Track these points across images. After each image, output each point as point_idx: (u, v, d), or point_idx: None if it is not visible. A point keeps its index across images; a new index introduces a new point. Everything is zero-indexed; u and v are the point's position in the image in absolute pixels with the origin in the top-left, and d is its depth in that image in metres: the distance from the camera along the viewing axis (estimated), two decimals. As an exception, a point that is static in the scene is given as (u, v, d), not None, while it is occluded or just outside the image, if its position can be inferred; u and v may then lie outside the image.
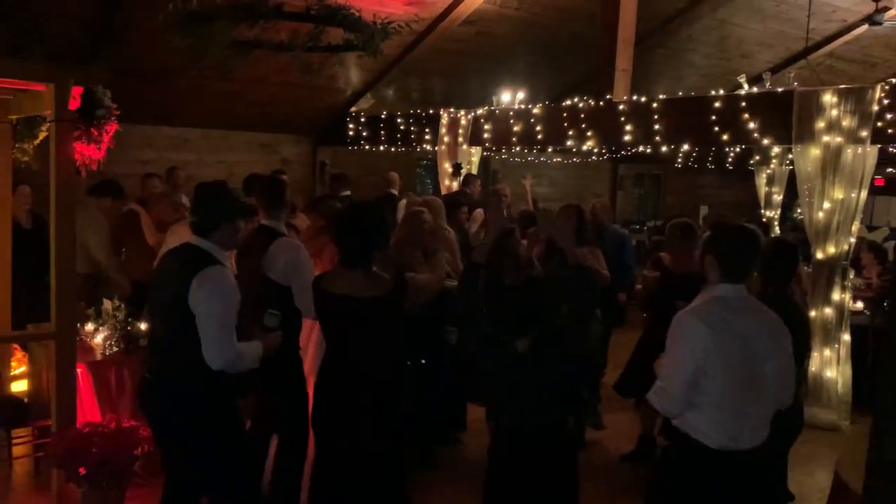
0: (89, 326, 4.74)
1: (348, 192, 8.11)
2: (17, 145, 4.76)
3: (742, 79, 7.16)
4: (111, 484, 3.87)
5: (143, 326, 4.72)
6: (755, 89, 6.64)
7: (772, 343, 2.82)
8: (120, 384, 4.54)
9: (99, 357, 4.57)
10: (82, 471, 3.82)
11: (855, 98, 5.58)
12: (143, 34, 6.61)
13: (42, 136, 4.61)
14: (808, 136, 5.80)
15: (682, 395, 2.80)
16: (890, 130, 5.41)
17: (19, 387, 4.80)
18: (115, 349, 4.62)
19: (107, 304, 4.84)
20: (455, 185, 8.41)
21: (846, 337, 6.15)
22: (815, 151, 5.82)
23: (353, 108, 9.57)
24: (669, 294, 5.02)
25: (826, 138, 5.71)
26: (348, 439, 3.27)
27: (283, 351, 3.88)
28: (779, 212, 10.83)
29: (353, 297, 3.24)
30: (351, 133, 9.52)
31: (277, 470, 4.08)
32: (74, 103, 3.88)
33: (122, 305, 4.82)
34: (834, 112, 5.66)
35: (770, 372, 2.79)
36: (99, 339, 4.65)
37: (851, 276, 6.30)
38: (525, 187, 8.68)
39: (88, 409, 4.43)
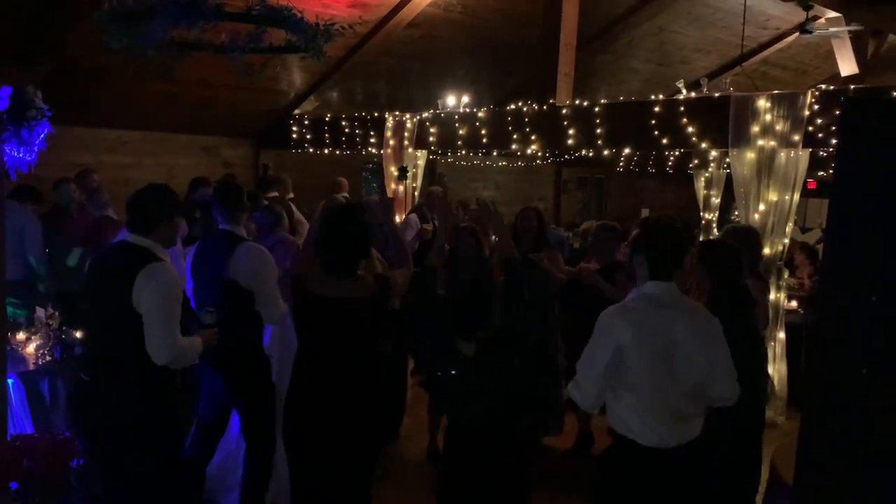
0: (21, 335, 4.56)
1: (276, 194, 7.98)
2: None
3: (681, 84, 7.34)
4: (44, 499, 3.73)
5: (78, 335, 4.57)
6: (693, 94, 6.80)
7: (699, 340, 2.82)
8: (54, 395, 4.38)
9: (31, 367, 4.41)
10: (13, 485, 3.67)
11: (787, 103, 5.77)
12: (80, 34, 6.41)
13: (-31, 137, 4.43)
14: (744, 140, 5.97)
15: (594, 389, 2.82)
16: (820, 135, 5.60)
17: (-55, 399, 4.59)
18: (48, 358, 4.46)
19: (39, 312, 4.67)
20: (401, 188, 8.40)
21: (781, 335, 6.34)
22: (750, 155, 5.99)
23: (296, 111, 9.46)
24: (588, 292, 5.15)
25: (760, 142, 5.88)
26: (333, 441, 3.26)
27: (249, 354, 3.86)
28: (717, 214, 11.12)
29: (343, 299, 3.25)
30: (294, 136, 9.41)
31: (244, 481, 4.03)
32: (3, 104, 3.74)
33: (56, 313, 4.66)
34: (767, 117, 5.83)
35: (698, 368, 2.80)
36: (31, 348, 4.48)
37: (786, 276, 6.50)
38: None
39: (20, 422, 4.26)
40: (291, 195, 7.98)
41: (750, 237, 4.62)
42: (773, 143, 5.83)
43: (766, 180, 5.98)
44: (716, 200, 11.00)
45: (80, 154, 8.25)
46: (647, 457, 2.79)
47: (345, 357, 3.29)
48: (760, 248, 5.09)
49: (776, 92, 5.91)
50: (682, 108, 6.33)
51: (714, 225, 10.90)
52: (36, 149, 3.94)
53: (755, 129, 5.90)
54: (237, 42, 4.99)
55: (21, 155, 3.88)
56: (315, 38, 5.11)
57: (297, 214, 7.59)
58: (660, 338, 2.76)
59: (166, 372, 3.18)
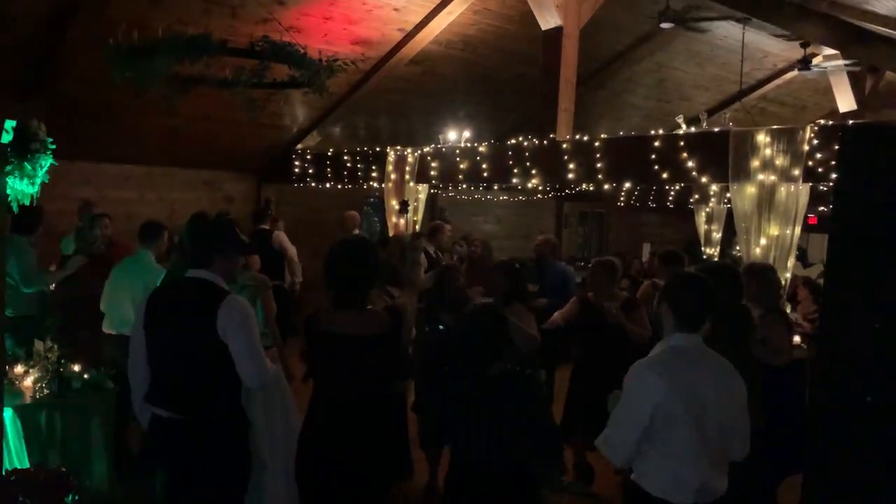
0: (19, 368, 4.54)
1: (266, 227, 8.10)
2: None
3: (680, 119, 7.39)
4: (38, 535, 3.67)
5: (76, 368, 4.55)
6: (693, 129, 6.85)
7: (724, 393, 2.80)
8: (50, 429, 4.35)
9: (28, 400, 4.37)
10: (7, 522, 3.61)
11: (787, 138, 5.79)
12: (85, 70, 6.50)
13: (-27, 170, 4.45)
14: (744, 174, 5.98)
15: (630, 446, 2.77)
16: (820, 169, 5.61)
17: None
18: (45, 392, 4.43)
19: (38, 345, 4.65)
20: (402, 222, 8.42)
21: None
22: (750, 189, 6.00)
23: (298, 146, 9.53)
24: (590, 327, 5.15)
25: (761, 176, 5.90)
26: (342, 481, 3.22)
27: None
28: (718, 249, 11.12)
29: (351, 335, 3.23)
30: (297, 170, 9.46)
31: None
32: (6, 137, 3.76)
33: (55, 346, 4.63)
34: (767, 151, 5.86)
35: (722, 423, 2.77)
36: (29, 381, 4.45)
37: (788, 310, 6.47)
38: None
39: (16, 456, 4.21)
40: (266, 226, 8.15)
41: (769, 274, 4.63)
42: (773, 177, 5.85)
43: (767, 214, 5.99)
44: (717, 235, 11.02)
45: (84, 189, 8.30)
46: None
47: (354, 394, 3.25)
48: (779, 284, 5.08)
49: (776, 127, 5.94)
50: (681, 143, 6.36)
51: (715, 259, 10.90)
52: (39, 181, 3.95)
53: (755, 163, 5.92)
54: (240, 77, 5.05)
55: (24, 189, 3.88)
56: (318, 73, 5.18)
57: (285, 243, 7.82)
58: (691, 395, 2.72)
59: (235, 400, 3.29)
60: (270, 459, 4.14)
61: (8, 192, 3.84)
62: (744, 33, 9.53)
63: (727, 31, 9.73)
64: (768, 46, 10.41)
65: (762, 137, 5.88)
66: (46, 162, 3.99)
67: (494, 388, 3.18)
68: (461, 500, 3.23)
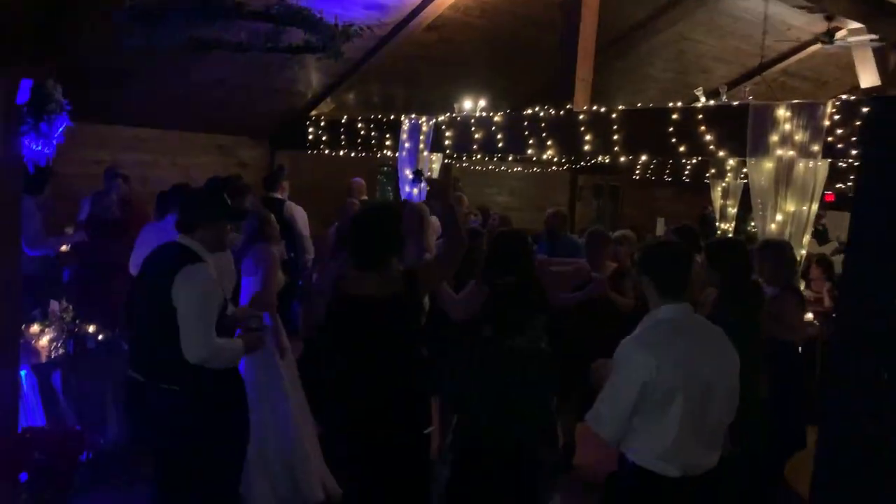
0: (35, 328, 4.59)
1: (277, 195, 7.66)
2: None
3: (699, 92, 7.29)
4: (53, 491, 3.74)
5: (90, 329, 4.59)
6: (712, 103, 6.75)
7: (716, 360, 2.78)
8: (65, 388, 4.41)
9: (44, 359, 4.43)
10: (23, 477, 3.69)
11: (807, 113, 5.71)
12: (99, 32, 6.45)
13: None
14: (762, 149, 5.91)
15: (621, 423, 2.74)
16: (840, 145, 5.54)
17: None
18: (61, 351, 4.48)
19: (54, 305, 4.70)
20: (416, 191, 8.39)
21: (796, 347, 6.26)
22: (768, 164, 5.93)
23: (312, 112, 9.48)
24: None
25: (779, 151, 5.83)
26: (375, 441, 3.22)
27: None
28: (733, 224, 11.04)
29: (372, 297, 3.23)
30: (311, 137, 9.42)
31: None
32: (23, 97, 3.76)
33: (70, 307, 4.68)
34: (787, 126, 5.78)
35: (718, 393, 2.75)
36: (45, 340, 4.50)
37: (802, 287, 6.43)
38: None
39: (32, 414, 4.28)
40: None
41: (784, 250, 4.58)
42: (791, 152, 5.77)
43: (784, 190, 5.92)
44: (732, 210, 10.94)
45: (99, 151, 8.31)
46: (672, 488, 2.71)
47: (376, 356, 3.26)
48: (795, 261, 5.02)
49: (796, 101, 5.86)
50: (700, 116, 6.28)
51: (730, 236, 10.83)
52: (54, 142, 3.96)
53: (774, 138, 5.84)
54: (255, 41, 5.01)
55: (39, 148, 3.90)
56: (333, 38, 5.12)
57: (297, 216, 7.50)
58: (682, 367, 2.69)
59: (206, 370, 3.18)
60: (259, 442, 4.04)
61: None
62: (766, 5, 9.35)
63: (749, 3, 9.55)
64: (791, 18, 10.20)
65: (782, 112, 5.80)
66: (62, 123, 4.00)
67: (520, 361, 3.16)
68: (472, 472, 3.23)
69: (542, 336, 3.53)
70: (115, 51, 6.52)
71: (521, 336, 3.33)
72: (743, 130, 5.98)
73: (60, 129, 4.08)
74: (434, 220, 6.34)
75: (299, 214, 7.61)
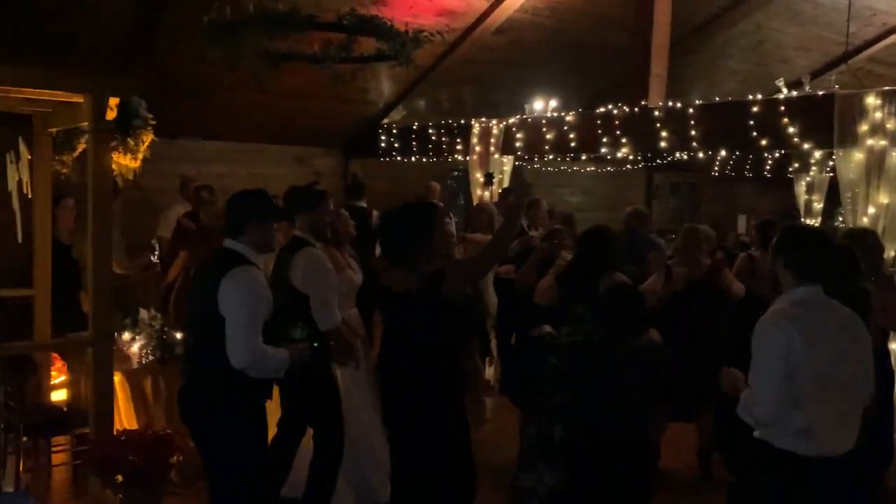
0: (126, 335, 4.78)
1: (363, 203, 7.79)
2: (56, 157, 4.84)
3: (781, 83, 7.01)
4: (147, 491, 3.88)
5: (178, 336, 4.75)
6: (794, 93, 6.50)
7: (852, 342, 2.76)
8: (156, 393, 4.58)
9: (135, 365, 4.61)
10: (119, 478, 3.83)
11: (899, 100, 5.44)
12: (179, 49, 6.70)
13: (81, 147, 4.69)
14: (851, 139, 5.66)
15: (777, 404, 2.67)
16: (937, 132, 5.25)
17: (59, 396, 4.86)
18: (150, 358, 4.65)
19: (143, 314, 4.89)
20: (487, 194, 8.36)
21: (894, 346, 5.95)
22: (858, 155, 5.67)
23: (384, 120, 9.59)
24: (678, 301, 4.93)
25: (870, 142, 5.56)
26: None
27: (315, 367, 3.83)
28: (819, 220, 10.60)
29: (389, 291, 3.46)
30: (383, 145, 9.53)
31: (311, 479, 4.06)
32: (111, 114, 3.93)
33: (158, 315, 4.86)
34: (877, 115, 5.51)
35: (853, 370, 2.73)
36: (135, 347, 4.69)
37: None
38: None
39: (125, 418, 4.46)
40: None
41: (868, 238, 4.37)
42: (883, 142, 5.50)
43: (876, 182, 5.64)
44: (818, 206, 10.50)
45: (182, 165, 8.61)
46: (811, 468, 2.67)
47: (402, 347, 3.46)
48: (882, 249, 4.74)
49: (887, 88, 5.58)
50: (782, 108, 6.06)
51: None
52: (141, 157, 4.13)
53: (863, 127, 5.58)
54: (329, 52, 5.11)
55: (127, 163, 4.07)
56: (404, 45, 5.18)
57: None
58: (822, 343, 2.68)
59: (249, 379, 3.15)
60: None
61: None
62: (851, -10, 8.94)
63: (832, -12, 9.17)
64: (877, 3, 9.73)
65: (871, 100, 5.54)
66: (148, 137, 4.17)
67: (635, 358, 3.34)
68: (589, 460, 3.35)
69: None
70: (195, 67, 6.79)
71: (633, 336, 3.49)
72: (829, 121, 5.75)
73: (146, 144, 4.26)
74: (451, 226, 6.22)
75: (377, 218, 7.72)
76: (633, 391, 3.32)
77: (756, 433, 2.79)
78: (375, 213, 7.76)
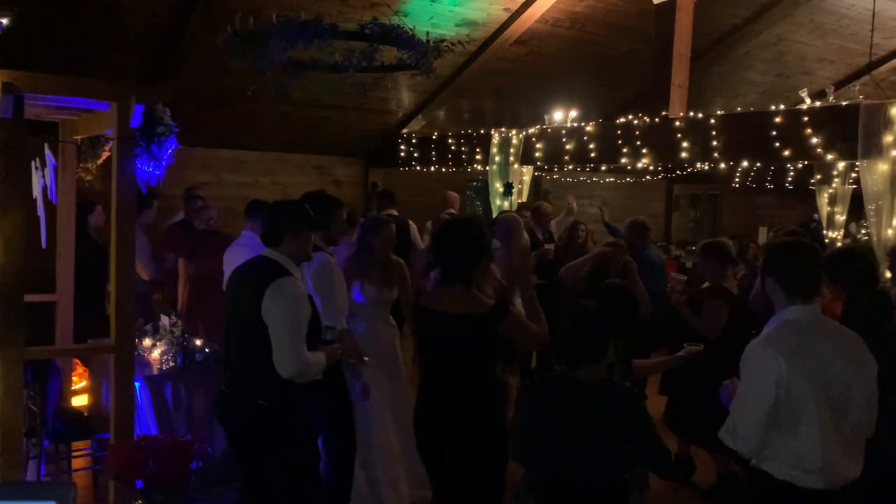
0: (147, 342, 4.81)
1: (395, 212, 7.78)
2: (81, 165, 4.91)
3: (804, 93, 6.95)
4: (167, 497, 3.88)
5: (198, 342, 4.78)
6: (818, 104, 6.44)
7: (851, 366, 2.58)
8: (176, 399, 4.59)
9: (156, 371, 4.63)
10: (139, 483, 3.84)
11: (925, 110, 5.37)
12: (201, 59, 6.78)
13: (105, 155, 4.75)
14: (876, 150, 5.60)
15: (759, 432, 2.56)
16: (963, 143, 5.18)
17: (80, 401, 4.90)
18: (171, 364, 4.68)
19: (164, 320, 4.92)
20: (506, 204, 8.35)
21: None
22: (882, 166, 5.61)
23: (404, 130, 9.62)
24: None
25: (894, 152, 5.49)
26: (449, 459, 3.20)
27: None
28: (842, 232, 10.46)
29: (447, 314, 3.14)
30: (402, 154, 9.57)
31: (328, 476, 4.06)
32: (136, 121, 3.96)
33: (179, 322, 4.89)
34: (902, 125, 5.44)
35: (853, 398, 2.56)
36: (156, 353, 4.72)
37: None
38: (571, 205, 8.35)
39: (145, 423, 4.48)
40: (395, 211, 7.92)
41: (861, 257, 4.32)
42: (909, 153, 5.44)
43: (902, 193, 5.58)
44: (840, 218, 10.37)
45: (203, 173, 8.70)
46: (813, 500, 2.54)
47: (454, 373, 3.20)
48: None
49: (912, 98, 5.52)
50: (805, 119, 6.00)
51: (839, 244, 10.26)
52: (164, 163, 4.16)
53: (888, 138, 5.52)
54: (350, 61, 5.13)
55: (150, 169, 4.10)
56: (425, 55, 5.19)
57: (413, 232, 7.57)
58: (815, 368, 2.52)
59: (293, 385, 3.23)
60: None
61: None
62: (875, 1, 8.86)
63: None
64: (901, 13, 9.65)
65: (897, 110, 5.47)
66: (171, 145, 4.20)
67: (594, 398, 2.86)
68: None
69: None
70: (218, 75, 6.86)
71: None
72: (853, 132, 5.69)
73: (170, 151, 4.30)
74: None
75: (414, 230, 7.74)
76: (596, 436, 2.84)
77: (753, 462, 2.66)
78: (411, 223, 7.72)
